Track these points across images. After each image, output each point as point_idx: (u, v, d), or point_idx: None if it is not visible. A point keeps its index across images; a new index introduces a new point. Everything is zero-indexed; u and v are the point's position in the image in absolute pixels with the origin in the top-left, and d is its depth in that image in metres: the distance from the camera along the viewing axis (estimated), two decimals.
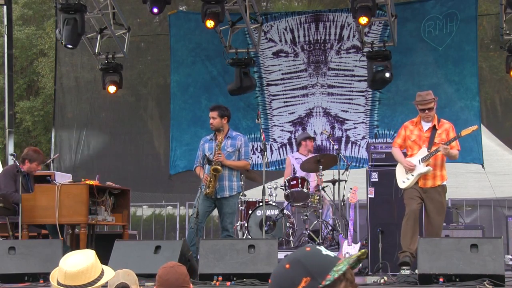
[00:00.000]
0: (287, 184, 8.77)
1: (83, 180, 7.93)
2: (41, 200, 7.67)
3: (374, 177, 7.96)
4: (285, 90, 11.37)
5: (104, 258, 4.66)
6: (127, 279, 4.22)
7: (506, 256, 7.76)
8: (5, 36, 11.87)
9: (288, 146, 11.27)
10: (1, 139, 18.15)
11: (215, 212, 8.14)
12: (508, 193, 11.07)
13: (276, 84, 11.41)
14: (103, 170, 10.80)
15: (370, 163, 8.15)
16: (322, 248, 1.75)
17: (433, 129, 6.98)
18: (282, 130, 11.35)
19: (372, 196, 7.93)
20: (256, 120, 7.95)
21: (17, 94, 19.06)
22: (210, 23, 9.42)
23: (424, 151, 6.93)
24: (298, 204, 8.76)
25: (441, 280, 6.10)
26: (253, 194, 9.52)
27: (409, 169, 6.93)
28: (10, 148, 11.44)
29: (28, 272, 6.72)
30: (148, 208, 12.69)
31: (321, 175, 8.85)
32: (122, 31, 10.62)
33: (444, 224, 7.56)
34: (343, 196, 8.83)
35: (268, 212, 8.52)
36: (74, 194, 7.67)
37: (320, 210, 8.72)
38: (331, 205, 9.15)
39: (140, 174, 12.42)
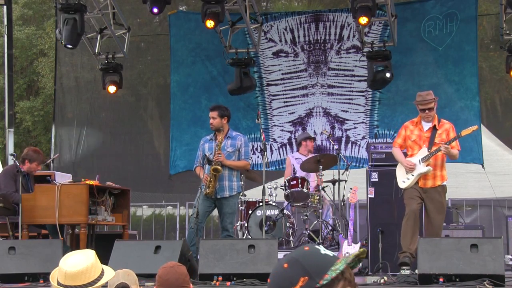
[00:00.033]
0: (287, 184, 8.77)
1: (83, 180, 7.93)
2: (41, 200, 7.67)
3: (374, 177, 7.96)
4: (285, 90, 11.38)
5: (104, 258, 4.66)
6: (127, 279, 4.22)
7: (506, 256, 7.77)
8: (5, 36, 11.87)
9: (288, 146, 11.27)
10: (1, 139, 18.15)
11: (215, 212, 8.14)
12: (508, 193, 11.07)
13: (276, 84, 11.41)
14: (103, 170, 10.80)
15: (370, 163, 8.15)
16: (320, 248, 1.75)
17: (434, 129, 6.98)
18: (282, 130, 11.35)
19: (372, 196, 7.93)
20: (256, 120, 7.95)
21: (17, 94, 19.06)
22: (210, 23, 9.42)
23: (424, 151, 6.93)
24: (298, 204, 8.76)
25: (441, 280, 6.10)
26: (253, 194, 9.52)
27: (409, 169, 6.93)
28: (10, 148, 11.44)
29: (28, 272, 6.72)
30: (148, 208, 12.69)
31: (321, 175, 8.85)
32: (122, 31, 10.62)
33: (444, 224, 7.56)
34: (343, 196, 8.82)
35: (268, 212, 8.52)
36: (74, 194, 7.67)
37: (320, 210, 8.72)
38: (331, 205, 9.15)
39: (140, 174, 12.43)
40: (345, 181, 8.83)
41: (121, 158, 12.53)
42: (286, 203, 8.77)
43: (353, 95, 11.14)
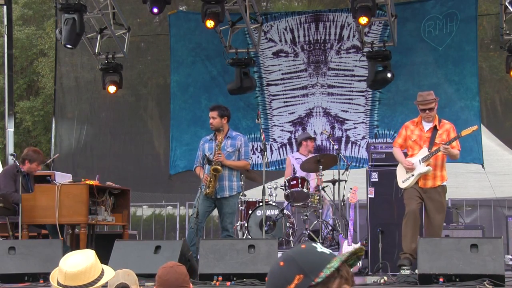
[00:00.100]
0: (287, 184, 8.77)
1: (83, 180, 7.93)
2: (41, 200, 7.67)
3: (374, 177, 7.96)
4: (285, 90, 11.38)
5: (104, 258, 4.66)
6: (127, 279, 4.22)
7: (506, 256, 7.76)
8: (5, 36, 11.86)
9: (288, 146, 11.27)
10: (1, 139, 18.15)
11: (215, 212, 8.14)
12: (508, 193, 11.07)
13: (276, 84, 11.41)
14: (103, 170, 10.80)
15: (370, 163, 8.15)
16: (317, 245, 1.74)
17: (434, 129, 6.98)
18: (282, 130, 11.35)
19: (372, 196, 7.93)
20: (256, 120, 7.95)
21: (17, 94, 19.06)
22: (210, 23, 9.42)
23: (424, 151, 6.93)
24: (298, 204, 8.76)
25: (441, 280, 6.10)
26: (253, 194, 9.52)
27: (409, 169, 6.93)
28: (10, 148, 11.43)
29: (28, 272, 6.72)
30: (148, 208, 12.69)
31: (321, 175, 8.85)
32: (122, 31, 10.62)
33: (444, 224, 7.56)
34: (343, 196, 8.82)
35: (268, 212, 8.52)
36: (74, 194, 7.67)
37: (320, 210, 8.72)
38: (331, 205, 9.15)
39: (140, 174, 12.42)
40: (345, 181, 8.82)
41: (121, 158, 12.53)
42: (286, 203, 8.77)
43: (353, 95, 11.14)
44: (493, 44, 13.17)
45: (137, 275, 4.42)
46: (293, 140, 11.11)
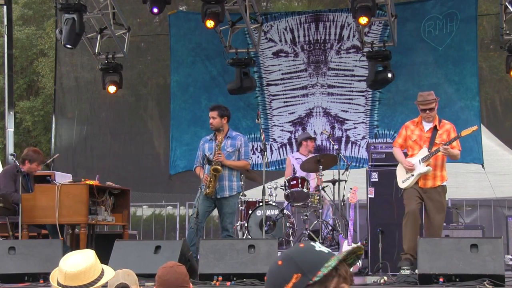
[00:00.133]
0: (287, 184, 8.77)
1: (83, 180, 7.93)
2: (41, 200, 7.67)
3: (374, 177, 7.96)
4: (285, 90, 11.38)
5: (104, 258, 4.66)
6: (127, 279, 4.22)
7: (506, 256, 7.76)
8: (5, 36, 11.86)
9: (288, 146, 11.27)
10: (1, 139, 18.15)
11: (215, 212, 8.14)
12: (508, 193, 11.07)
13: (276, 84, 11.41)
14: (103, 170, 10.80)
15: (370, 163, 8.15)
16: (316, 244, 1.74)
17: (434, 129, 6.98)
18: (282, 130, 11.35)
19: (372, 196, 7.93)
20: (256, 120, 7.95)
21: (17, 94, 19.06)
22: (210, 23, 9.42)
23: (424, 151, 6.93)
24: (298, 204, 8.76)
25: (441, 280, 6.10)
26: (253, 194, 9.51)
27: (409, 169, 6.93)
28: (10, 148, 11.43)
29: (28, 272, 6.72)
30: (148, 208, 12.69)
31: (321, 175, 8.85)
32: (122, 31, 10.62)
33: (444, 224, 7.56)
34: (343, 196, 8.82)
35: (268, 212, 8.52)
36: (74, 194, 7.67)
37: (320, 210, 8.72)
38: (331, 205, 9.15)
39: (140, 174, 12.42)
40: (345, 181, 8.82)
41: (121, 158, 12.53)
42: (286, 203, 8.77)
43: (353, 95, 11.14)
44: (493, 44, 13.17)
45: (137, 275, 4.42)
46: (293, 140, 11.11)
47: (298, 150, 9.80)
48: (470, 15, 10.56)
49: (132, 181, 11.11)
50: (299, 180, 8.67)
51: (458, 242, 6.40)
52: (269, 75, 11.43)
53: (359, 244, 7.94)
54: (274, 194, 8.96)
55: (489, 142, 11.90)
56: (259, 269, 6.34)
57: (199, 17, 9.81)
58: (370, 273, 7.61)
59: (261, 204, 8.30)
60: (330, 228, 8.72)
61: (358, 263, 7.33)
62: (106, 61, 10.63)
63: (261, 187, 7.90)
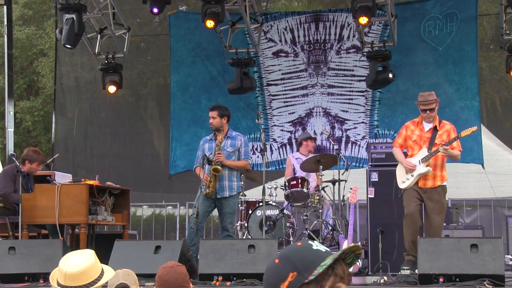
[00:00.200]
0: (287, 184, 8.77)
1: (83, 180, 7.93)
2: (41, 200, 7.67)
3: (374, 177, 7.96)
4: (285, 90, 11.38)
5: (104, 258, 4.66)
6: (127, 279, 4.22)
7: (506, 256, 7.76)
8: (5, 36, 11.85)
9: (288, 146, 11.27)
10: (1, 139, 18.15)
11: (215, 212, 8.14)
12: (508, 193, 11.07)
13: (276, 84, 11.41)
14: (103, 170, 10.80)
15: (370, 163, 8.15)
16: (314, 243, 1.73)
17: (434, 129, 6.98)
18: (282, 130, 11.35)
19: (372, 196, 7.93)
20: (256, 120, 7.95)
21: (17, 94, 19.05)
22: (210, 23, 9.42)
23: (424, 152, 6.93)
24: (298, 204, 8.76)
25: (441, 280, 6.10)
26: (253, 194, 9.51)
27: (409, 170, 6.93)
28: (10, 148, 11.42)
29: (28, 272, 6.72)
30: (148, 208, 12.69)
31: (321, 175, 8.84)
32: (122, 31, 10.62)
33: (444, 224, 7.56)
34: (343, 196, 8.82)
35: (268, 212, 8.52)
36: (74, 194, 7.67)
37: (320, 210, 8.72)
38: (331, 205, 9.15)
39: (140, 174, 12.42)
40: (345, 181, 8.82)
41: (121, 158, 12.53)
42: (286, 203, 8.77)
43: (353, 95, 11.14)
44: (493, 44, 13.18)
45: (137, 275, 4.42)
46: (293, 140, 11.11)
47: (298, 150, 9.80)
48: (470, 15, 10.56)
49: (132, 181, 11.11)
50: (299, 180, 8.67)
51: (458, 242, 6.40)
52: (269, 75, 11.43)
53: (355, 244, 7.93)
54: (274, 194, 8.96)
55: (489, 142, 11.90)
56: (259, 269, 6.34)
57: (199, 17, 9.81)
58: (370, 273, 7.61)
59: (261, 204, 8.30)
60: (330, 228, 8.72)
61: (358, 263, 7.33)
62: (106, 61, 10.63)
63: (261, 187, 7.90)
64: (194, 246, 7.27)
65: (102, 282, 3.52)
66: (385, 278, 6.68)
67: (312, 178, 9.11)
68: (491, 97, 12.90)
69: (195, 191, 8.16)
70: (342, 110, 11.16)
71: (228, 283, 6.35)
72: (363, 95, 11.08)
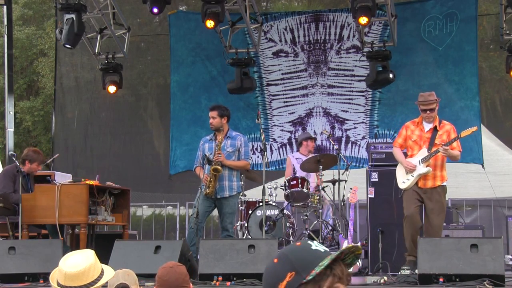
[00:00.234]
0: (287, 184, 8.77)
1: (83, 180, 7.93)
2: (41, 200, 7.67)
3: (374, 177, 7.96)
4: (285, 90, 11.38)
5: (104, 258, 4.66)
6: (127, 279, 4.22)
7: (506, 256, 7.76)
8: (5, 36, 11.85)
9: (288, 146, 11.27)
10: (1, 139, 18.15)
11: (215, 212, 8.14)
12: (508, 193, 11.07)
13: (276, 84, 11.41)
14: (103, 170, 10.80)
15: (370, 163, 8.15)
16: (313, 243, 1.73)
17: (434, 130, 6.99)
18: (282, 130, 11.35)
19: (372, 196, 7.93)
20: (256, 120, 7.95)
21: (17, 94, 19.05)
22: (210, 23, 9.42)
23: (424, 152, 6.93)
24: (298, 204, 8.76)
25: (441, 280, 6.10)
26: (253, 194, 9.51)
27: (409, 170, 6.93)
28: (10, 148, 11.41)
29: (28, 272, 6.72)
30: (148, 208, 12.69)
31: (321, 175, 8.84)
32: (122, 31, 10.62)
33: (444, 224, 7.56)
34: (343, 196, 8.82)
35: (268, 212, 8.52)
36: (74, 194, 7.67)
37: (320, 210, 8.72)
38: (331, 205, 9.15)
39: (140, 174, 12.42)
40: (345, 181, 8.82)
41: (121, 158, 12.53)
42: (286, 203, 8.77)
43: (353, 95, 11.14)
44: (493, 44, 13.18)
45: (137, 275, 4.42)
46: (293, 140, 11.11)
47: (298, 150, 9.80)
48: (470, 15, 10.56)
49: (132, 181, 11.11)
50: (299, 180, 8.67)
51: (458, 242, 6.40)
52: (269, 75, 11.43)
53: (354, 244, 7.93)
54: (274, 194, 8.96)
55: (489, 142, 11.90)
56: (259, 269, 6.34)
57: (199, 17, 9.81)
58: (370, 273, 7.61)
59: (261, 204, 8.30)
60: (330, 228, 8.72)
61: (358, 263, 7.33)
62: (106, 61, 10.63)
63: (261, 187, 7.90)
64: (194, 246, 7.27)
65: (102, 282, 3.52)
66: (385, 278, 6.68)
67: (312, 178, 9.11)
68: (491, 97, 12.90)
69: (195, 191, 8.16)
70: (342, 110, 11.16)
71: (228, 283, 6.35)
72: (363, 95, 11.08)
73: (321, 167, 8.77)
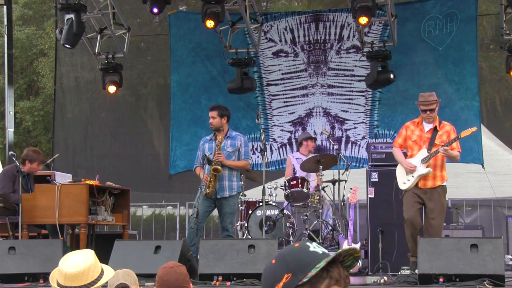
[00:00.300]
0: (287, 184, 8.77)
1: (83, 180, 7.93)
2: (41, 200, 7.67)
3: (374, 177, 7.96)
4: (285, 90, 11.38)
5: (104, 258, 4.66)
6: (127, 279, 4.21)
7: (506, 256, 7.76)
8: (5, 36, 11.85)
9: (288, 146, 11.27)
10: (1, 139, 18.15)
11: (215, 212, 8.14)
12: (508, 193, 11.06)
13: (276, 84, 11.41)
14: (103, 170, 10.80)
15: (370, 163, 8.15)
16: (312, 245, 1.72)
17: (434, 130, 6.99)
18: (282, 130, 11.35)
19: (372, 196, 7.93)
20: (256, 120, 7.95)
21: (17, 94, 19.04)
22: (210, 23, 9.42)
23: (424, 152, 6.93)
24: (298, 204, 8.76)
25: (441, 280, 6.10)
26: (253, 194, 9.51)
27: (409, 170, 6.93)
28: (10, 148, 11.41)
29: (28, 272, 6.72)
30: (148, 208, 12.69)
31: (321, 175, 8.85)
32: (122, 31, 10.62)
33: (444, 224, 7.56)
34: (343, 196, 8.83)
35: (268, 212, 8.52)
36: (74, 194, 7.67)
37: (320, 210, 8.72)
38: (331, 205, 9.15)
39: (140, 174, 12.42)
40: (345, 181, 8.83)
41: (121, 158, 12.53)
42: (286, 203, 8.77)
43: (353, 95, 11.14)
44: (493, 44, 13.18)
45: (137, 275, 4.42)
46: (293, 140, 11.11)
47: (298, 150, 9.80)
48: (470, 15, 10.56)
49: (132, 181, 11.11)
50: (299, 180, 8.67)
51: (458, 242, 6.40)
52: (269, 75, 11.43)
53: (360, 244, 7.94)
54: (274, 194, 8.97)
55: (489, 142, 11.89)
56: (259, 269, 6.33)
57: (199, 17, 9.81)
58: (370, 273, 7.61)
59: (261, 204, 8.30)
60: (330, 228, 8.72)
61: (358, 263, 7.33)
62: (106, 61, 10.63)
63: (261, 187, 7.90)
64: (194, 246, 7.27)
65: (102, 282, 3.52)
66: (385, 278, 6.69)
67: (312, 178, 9.11)
68: (491, 97, 12.90)
69: (195, 191, 8.16)
70: (342, 110, 11.16)
71: (228, 283, 6.36)
72: (363, 95, 11.08)
73: (321, 167, 8.77)
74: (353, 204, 7.88)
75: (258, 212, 8.56)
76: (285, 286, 1.67)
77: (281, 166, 11.05)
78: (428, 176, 6.91)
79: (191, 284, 3.96)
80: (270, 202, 8.73)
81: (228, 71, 10.89)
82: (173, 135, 11.53)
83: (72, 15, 9.41)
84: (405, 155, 7.13)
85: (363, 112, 11.08)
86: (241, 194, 8.49)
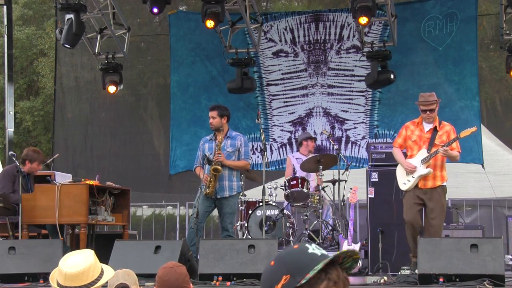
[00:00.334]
0: (287, 184, 8.77)
1: (83, 180, 7.93)
2: (41, 200, 7.67)
3: (374, 177, 7.96)
4: (285, 90, 11.38)
5: (104, 258, 4.66)
6: (127, 279, 4.21)
7: (506, 256, 7.76)
8: (5, 36, 11.85)
9: (288, 146, 11.27)
10: (1, 139, 18.15)
11: (215, 212, 8.14)
12: (508, 193, 11.07)
13: (276, 84, 11.41)
14: (103, 170, 10.80)
15: (370, 163, 8.15)
16: (311, 246, 1.71)
17: (434, 130, 6.99)
18: (282, 130, 11.35)
19: (372, 196, 7.93)
20: (256, 120, 7.95)
21: (17, 94, 19.04)
22: (210, 23, 9.42)
23: (424, 152, 6.93)
24: (298, 204, 8.76)
25: (441, 280, 6.10)
26: (253, 194, 9.52)
27: (410, 171, 6.93)
28: (10, 148, 11.41)
29: (28, 272, 6.72)
30: (148, 208, 12.69)
31: (321, 175, 8.85)
32: (122, 31, 10.62)
33: (444, 224, 7.56)
34: (343, 196, 8.83)
35: (268, 212, 8.52)
36: (74, 194, 7.67)
37: (320, 210, 8.72)
38: (331, 205, 9.15)
39: (140, 174, 12.42)
40: (345, 181, 8.83)
41: (121, 158, 12.53)
42: (286, 203, 8.77)
43: (353, 95, 11.14)
44: (493, 44, 13.18)
45: (137, 275, 4.41)
46: (293, 140, 11.11)
47: (298, 150, 9.80)
48: (470, 15, 10.56)
49: (132, 181, 11.11)
50: (299, 180, 8.67)
51: (458, 242, 6.40)
52: (269, 75, 11.43)
53: (360, 245, 7.94)
54: (274, 194, 8.97)
55: (489, 142, 11.90)
56: (259, 269, 6.33)
57: (199, 17, 9.81)
58: (370, 273, 7.62)
59: (261, 204, 8.30)
60: (330, 228, 8.72)
61: (356, 265, 7.32)
62: (106, 61, 10.62)
63: (261, 187, 7.90)
64: (194, 246, 7.28)
65: (102, 282, 3.52)
66: (385, 278, 6.69)
67: (312, 178, 9.11)
68: (491, 97, 12.90)
69: (195, 191, 8.16)
70: (342, 110, 11.16)
71: (228, 283, 6.36)
72: (363, 95, 11.08)
73: (321, 167, 8.78)
74: (353, 204, 7.89)
75: (258, 212, 8.56)
76: None
77: (281, 166, 11.05)
78: (428, 176, 6.91)
79: (191, 284, 3.96)
80: (270, 202, 8.73)
81: (228, 71, 10.89)
82: (173, 135, 11.53)
83: (72, 15, 9.41)
84: (405, 155, 7.13)
85: (363, 112, 11.08)
86: (241, 194, 8.49)
